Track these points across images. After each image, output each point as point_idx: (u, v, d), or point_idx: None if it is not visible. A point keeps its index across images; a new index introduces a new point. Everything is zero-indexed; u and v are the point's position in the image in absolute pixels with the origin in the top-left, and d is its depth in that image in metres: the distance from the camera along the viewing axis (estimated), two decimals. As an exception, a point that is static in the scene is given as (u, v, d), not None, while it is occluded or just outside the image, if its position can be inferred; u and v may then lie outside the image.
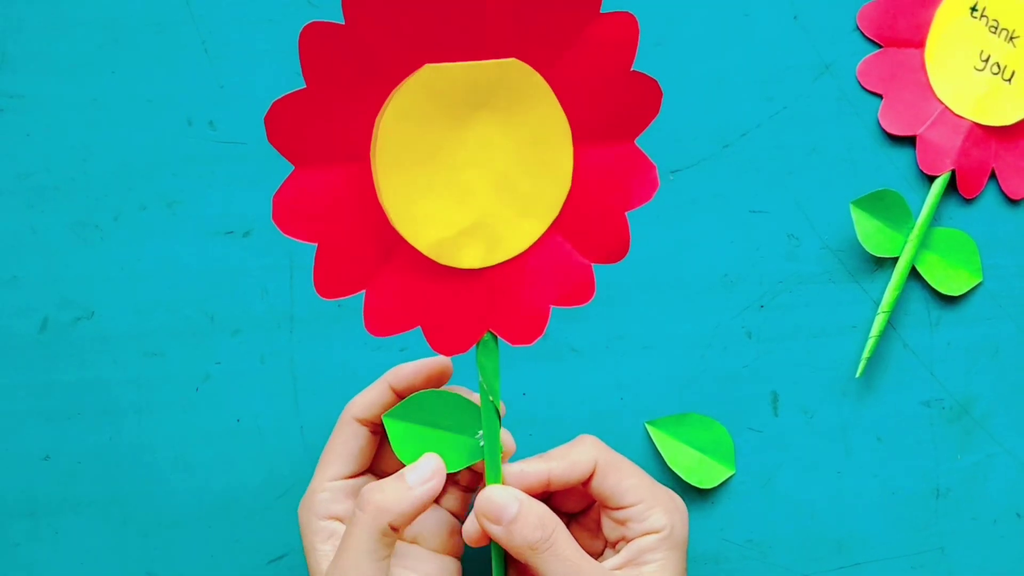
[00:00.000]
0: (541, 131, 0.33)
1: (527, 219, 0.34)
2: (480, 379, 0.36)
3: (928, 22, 0.47)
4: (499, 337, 0.35)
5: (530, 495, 0.37)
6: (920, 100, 0.47)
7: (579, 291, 0.36)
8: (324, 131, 0.31)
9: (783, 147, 0.47)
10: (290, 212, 0.32)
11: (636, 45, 0.33)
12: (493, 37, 0.32)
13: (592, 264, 0.36)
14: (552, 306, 0.35)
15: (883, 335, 0.46)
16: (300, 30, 0.29)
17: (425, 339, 0.34)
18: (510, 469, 0.38)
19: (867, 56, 0.48)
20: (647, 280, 0.46)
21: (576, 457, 0.38)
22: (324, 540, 0.38)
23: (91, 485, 0.44)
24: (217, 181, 0.45)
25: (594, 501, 0.41)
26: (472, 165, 0.33)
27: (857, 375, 0.46)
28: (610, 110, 0.34)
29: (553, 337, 0.46)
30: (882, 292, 0.47)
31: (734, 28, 0.47)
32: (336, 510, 0.39)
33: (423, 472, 0.36)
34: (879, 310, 0.46)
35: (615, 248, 0.36)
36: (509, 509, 0.36)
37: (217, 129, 0.46)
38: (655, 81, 0.34)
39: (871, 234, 0.46)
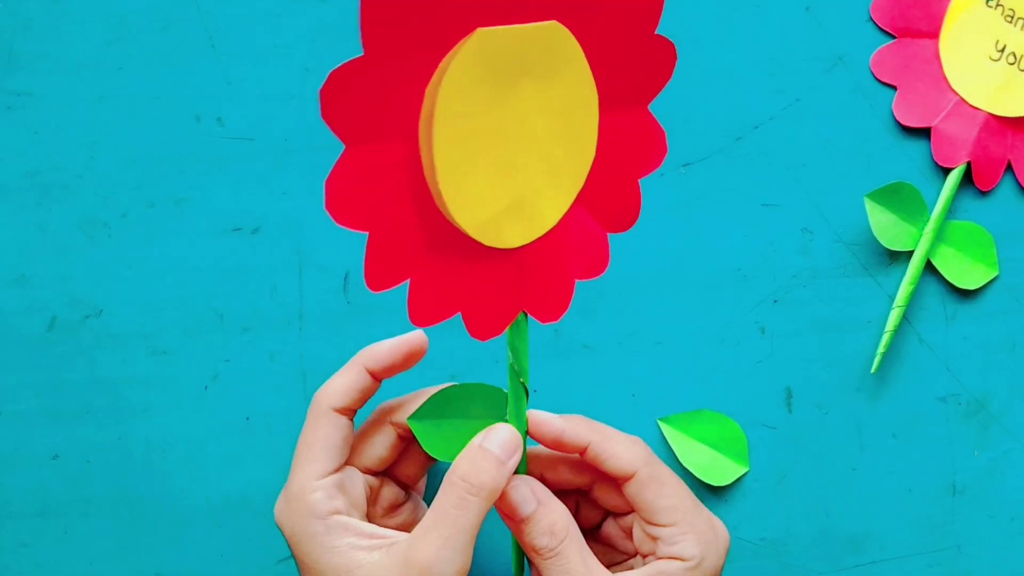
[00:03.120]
0: (573, 99, 0.32)
1: (558, 192, 0.33)
2: (510, 361, 0.35)
3: (942, 12, 0.47)
4: (529, 316, 0.35)
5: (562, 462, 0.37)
6: (935, 91, 0.47)
7: (598, 262, 0.35)
8: (377, 105, 0.29)
9: (796, 140, 0.47)
10: (344, 199, 0.29)
11: (662, 6, 0.32)
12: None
13: (607, 234, 0.35)
14: (576, 279, 0.35)
15: (898, 330, 0.46)
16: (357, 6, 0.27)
17: (464, 325, 0.33)
18: (553, 421, 0.37)
19: (880, 47, 0.47)
20: (659, 275, 0.46)
21: (620, 450, 0.37)
22: (341, 535, 0.36)
23: (100, 484, 0.44)
24: (225, 178, 0.45)
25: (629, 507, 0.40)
26: (515, 137, 0.31)
27: (872, 371, 0.45)
28: (630, 75, 0.33)
29: (565, 334, 0.45)
30: (897, 286, 0.46)
31: (746, 19, 0.47)
32: (336, 506, 0.36)
33: (506, 443, 0.35)
34: (894, 304, 0.46)
35: (627, 216, 0.35)
36: (526, 507, 0.36)
37: (225, 125, 0.45)
38: (672, 44, 0.33)
39: (886, 227, 0.45)
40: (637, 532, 0.39)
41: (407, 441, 0.40)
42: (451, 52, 0.29)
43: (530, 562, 0.38)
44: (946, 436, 0.46)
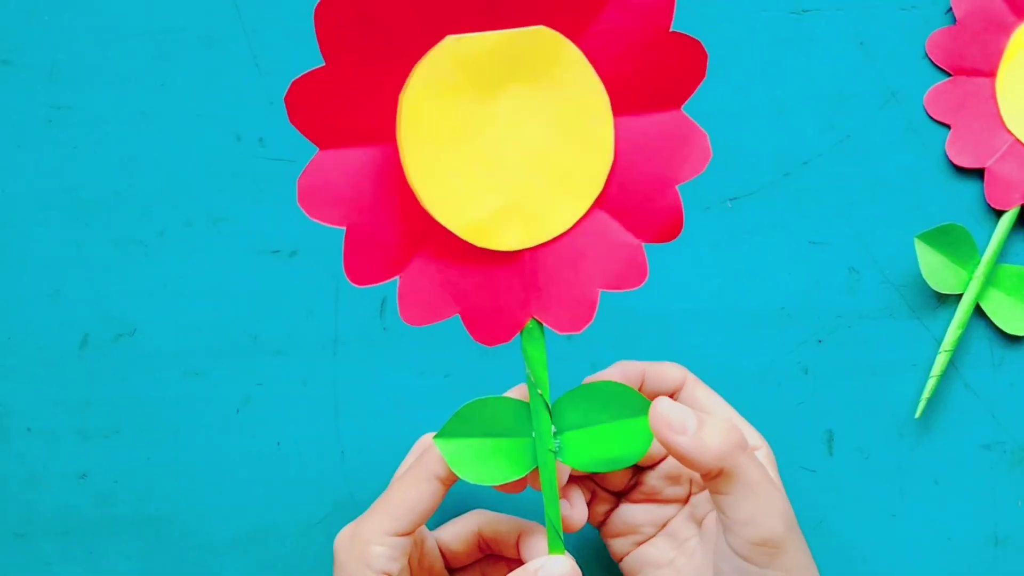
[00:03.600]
0: (577, 102, 0.32)
1: (568, 196, 0.33)
2: (527, 371, 0.34)
3: (1000, 51, 0.46)
4: (545, 325, 0.34)
5: None
6: (989, 131, 0.46)
7: (630, 273, 0.34)
8: (347, 110, 0.30)
9: (846, 177, 0.46)
10: (315, 195, 0.31)
11: (672, 5, 0.31)
12: (511, 5, 0.31)
13: (643, 244, 0.34)
14: (601, 290, 0.34)
15: (944, 375, 0.45)
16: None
17: (465, 328, 0.33)
18: (608, 371, 0.38)
19: (935, 85, 0.46)
20: (700, 311, 0.45)
21: (667, 368, 0.39)
22: None
23: (127, 505, 0.44)
24: (265, 199, 0.45)
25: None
26: (505, 141, 0.32)
27: (916, 415, 0.45)
28: (650, 76, 0.32)
29: (602, 367, 0.45)
30: (944, 330, 0.45)
31: (798, 53, 0.46)
32: (391, 568, 0.35)
33: None
34: (941, 348, 0.45)
35: (667, 225, 0.34)
36: (690, 419, 0.33)
37: (266, 146, 0.45)
38: (698, 42, 0.32)
39: (935, 269, 0.45)
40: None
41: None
42: (421, 59, 0.30)
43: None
44: (990, 485, 0.45)
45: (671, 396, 0.39)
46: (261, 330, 0.44)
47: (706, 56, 0.32)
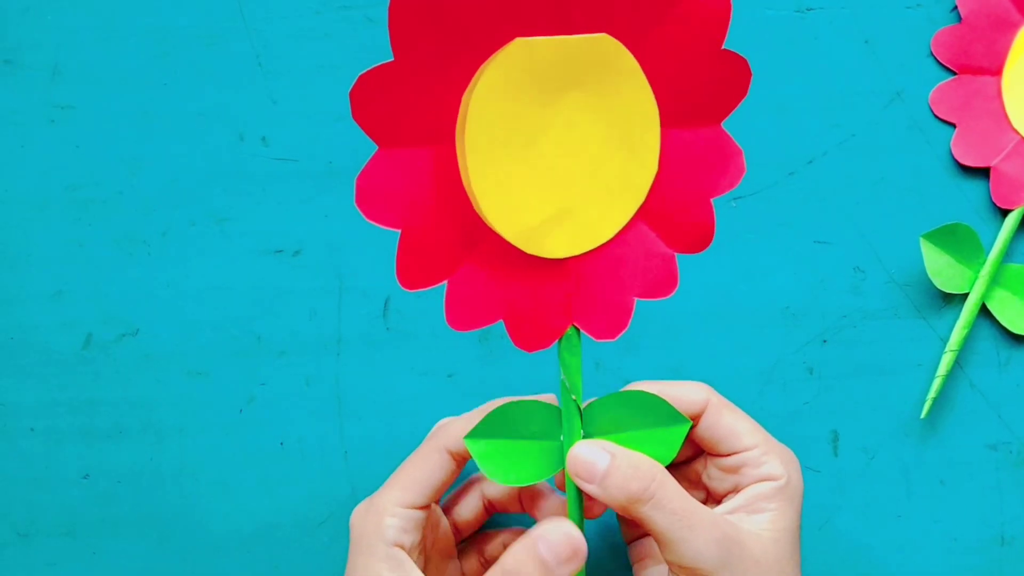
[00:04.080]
0: (629, 112, 0.32)
1: (613, 206, 0.33)
2: (562, 376, 0.34)
3: (1006, 49, 0.46)
4: (583, 332, 0.34)
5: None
6: (995, 130, 0.46)
7: (663, 283, 0.34)
8: (411, 109, 0.30)
9: (850, 176, 0.46)
10: (374, 196, 0.30)
11: (728, 21, 0.32)
12: (582, 11, 0.30)
13: (676, 254, 0.34)
14: (636, 299, 0.34)
15: (950, 374, 0.45)
16: (387, 10, 0.28)
17: (507, 334, 0.33)
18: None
19: (940, 83, 0.46)
20: (705, 311, 0.45)
21: (687, 389, 0.37)
22: (393, 569, 0.35)
23: (131, 506, 0.44)
24: (268, 199, 0.45)
25: (693, 454, 0.39)
26: (561, 147, 0.32)
27: (922, 416, 0.44)
28: (698, 91, 0.32)
29: (606, 367, 0.45)
30: (950, 330, 0.45)
31: (802, 52, 0.46)
32: (403, 540, 0.36)
33: (560, 552, 0.34)
34: (946, 348, 0.45)
35: (699, 237, 0.34)
36: (599, 463, 0.34)
37: (269, 146, 0.45)
38: (745, 60, 0.32)
39: (940, 269, 0.44)
40: (714, 472, 0.38)
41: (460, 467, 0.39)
42: (488, 60, 0.30)
43: (625, 524, 0.37)
44: (995, 485, 0.45)
45: (693, 420, 0.38)
46: (264, 330, 0.44)
47: (751, 75, 0.33)
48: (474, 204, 0.31)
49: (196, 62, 0.45)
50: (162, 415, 0.44)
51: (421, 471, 0.37)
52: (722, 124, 0.33)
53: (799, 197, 0.46)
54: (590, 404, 0.35)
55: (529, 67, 0.30)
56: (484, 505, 0.40)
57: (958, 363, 0.45)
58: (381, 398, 0.44)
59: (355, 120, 0.29)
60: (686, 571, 0.34)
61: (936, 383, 0.44)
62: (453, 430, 0.37)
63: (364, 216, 0.30)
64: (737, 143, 0.34)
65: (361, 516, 0.37)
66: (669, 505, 0.34)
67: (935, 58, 0.46)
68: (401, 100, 0.30)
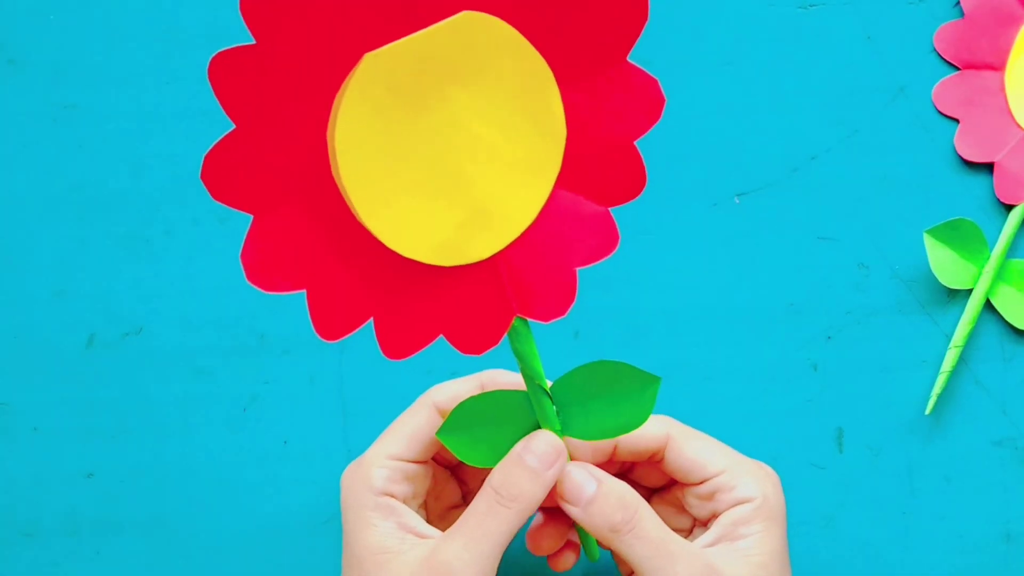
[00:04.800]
0: (518, 84, 0.29)
1: (527, 186, 0.30)
2: (520, 367, 0.34)
3: (1009, 44, 0.46)
4: (529, 319, 0.33)
5: (600, 462, 0.36)
6: (999, 126, 0.46)
7: (602, 243, 0.32)
8: (273, 168, 0.27)
9: (854, 172, 0.46)
10: (265, 268, 0.28)
11: None
12: None
13: (609, 208, 0.32)
14: (578, 267, 0.32)
15: (955, 371, 0.45)
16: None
17: (451, 345, 0.32)
18: (572, 440, 0.36)
19: (943, 79, 0.46)
20: (708, 308, 0.45)
21: (645, 428, 0.37)
22: (385, 516, 0.35)
23: (134, 505, 0.43)
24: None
25: (672, 480, 0.39)
26: (452, 149, 0.29)
27: (926, 412, 0.44)
28: (591, 34, 0.29)
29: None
30: (954, 326, 0.45)
31: (804, 47, 0.46)
32: (393, 490, 0.36)
33: (545, 454, 0.34)
34: (951, 344, 0.44)
35: (630, 185, 0.32)
36: (587, 489, 0.34)
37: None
38: None
39: (944, 265, 0.44)
40: (691, 501, 0.37)
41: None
42: (341, 90, 0.27)
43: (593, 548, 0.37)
44: (1001, 481, 0.45)
45: (653, 457, 0.38)
46: (268, 329, 0.44)
47: None
48: (376, 237, 0.29)
49: (199, 61, 0.45)
50: (166, 414, 0.44)
51: (408, 425, 0.37)
52: (627, 58, 0.30)
53: (802, 193, 0.46)
54: (556, 382, 0.35)
55: (390, 79, 0.27)
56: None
57: (963, 359, 0.45)
58: (385, 396, 0.44)
59: (216, 199, 0.26)
60: None
61: (941, 379, 0.44)
62: (444, 388, 0.37)
63: (262, 291, 0.28)
64: (650, 73, 0.31)
65: (350, 474, 0.37)
66: (647, 535, 0.34)
67: (938, 54, 0.46)
68: (259, 164, 0.27)
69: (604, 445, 0.37)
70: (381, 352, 0.31)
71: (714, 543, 0.36)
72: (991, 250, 0.45)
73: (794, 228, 0.45)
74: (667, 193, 0.46)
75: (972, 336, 0.45)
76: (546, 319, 0.33)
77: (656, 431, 0.37)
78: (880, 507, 0.44)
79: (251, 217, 0.28)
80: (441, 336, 0.32)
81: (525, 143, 0.30)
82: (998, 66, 0.46)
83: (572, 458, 0.37)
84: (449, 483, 0.40)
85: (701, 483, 0.37)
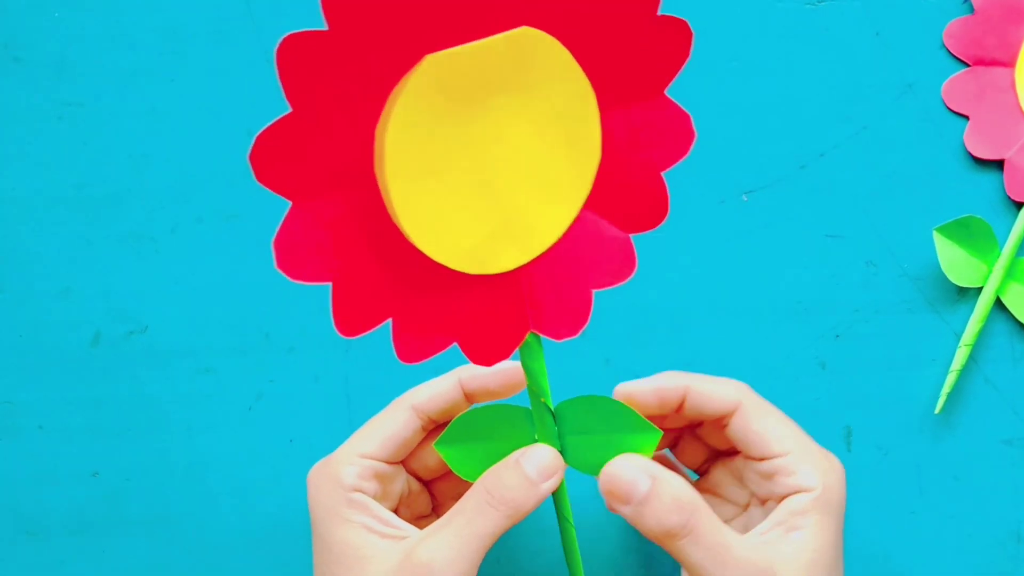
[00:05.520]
0: (563, 103, 0.30)
1: (557, 203, 0.31)
2: (527, 383, 0.34)
3: (1019, 40, 0.45)
4: (542, 335, 0.33)
5: (666, 414, 0.34)
6: (1009, 122, 0.45)
7: (620, 268, 0.32)
8: (321, 157, 0.27)
9: (862, 169, 0.45)
10: (296, 255, 0.28)
11: None
12: (496, 7, 0.28)
13: (630, 235, 0.32)
14: (595, 289, 0.32)
15: (964, 369, 0.44)
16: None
17: (463, 353, 0.32)
18: (642, 383, 0.35)
19: (953, 75, 0.46)
20: (716, 306, 0.45)
21: (719, 387, 0.35)
22: (358, 512, 0.34)
23: (139, 503, 0.43)
24: (276, 195, 0.45)
25: (728, 453, 0.38)
26: (492, 159, 0.29)
27: (936, 411, 0.44)
28: (635, 64, 0.30)
29: (616, 363, 0.44)
30: (964, 324, 0.45)
31: (812, 44, 0.46)
32: (364, 487, 0.35)
33: (545, 466, 0.33)
34: (961, 343, 0.44)
35: (653, 214, 0.32)
36: (639, 486, 0.32)
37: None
38: (685, 23, 0.30)
39: (954, 263, 0.44)
40: (751, 476, 0.36)
41: (428, 431, 0.38)
42: (397, 87, 0.27)
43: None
44: (1011, 481, 0.44)
45: (719, 422, 0.36)
46: (273, 326, 0.44)
47: (692, 36, 0.30)
48: (407, 237, 0.29)
49: (203, 58, 0.45)
50: (171, 412, 0.44)
51: (383, 425, 0.36)
52: (665, 91, 0.31)
53: (810, 191, 0.45)
54: (560, 405, 0.34)
55: (445, 84, 0.27)
56: (421, 424, 0.38)
57: (972, 358, 0.45)
58: (390, 395, 0.43)
59: (260, 183, 0.27)
60: None
61: (950, 378, 0.44)
62: (422, 390, 0.37)
63: (289, 278, 0.28)
64: (683, 108, 0.31)
65: (318, 471, 0.36)
66: (703, 541, 0.32)
67: (947, 50, 0.46)
68: (308, 151, 0.27)
69: (674, 396, 0.36)
70: (395, 354, 0.31)
71: (768, 531, 0.34)
72: (1001, 248, 0.45)
73: (802, 226, 0.45)
74: (674, 190, 0.45)
75: (982, 334, 0.45)
76: (559, 337, 0.33)
77: (729, 396, 0.36)
78: (889, 506, 0.44)
79: (286, 205, 0.28)
80: (454, 344, 0.32)
81: (560, 162, 0.30)
82: (1008, 62, 0.46)
83: (634, 403, 0.36)
84: (421, 495, 0.39)
85: (762, 460, 0.35)
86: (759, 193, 0.45)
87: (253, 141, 0.26)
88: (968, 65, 0.46)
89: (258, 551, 0.43)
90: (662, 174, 0.32)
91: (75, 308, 0.44)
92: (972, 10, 0.46)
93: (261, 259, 0.45)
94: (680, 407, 0.36)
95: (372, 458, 0.36)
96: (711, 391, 0.36)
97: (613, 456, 0.34)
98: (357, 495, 0.35)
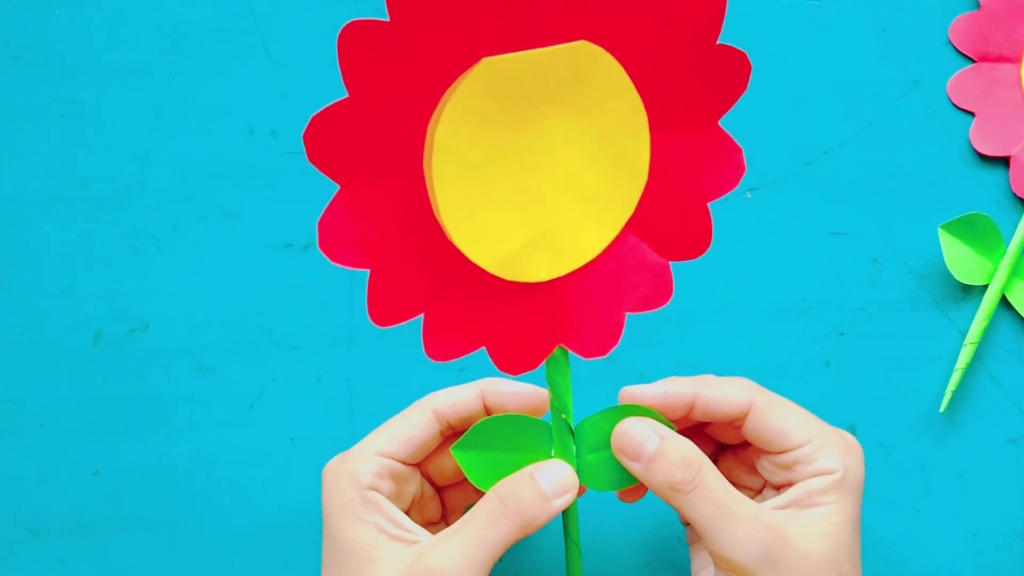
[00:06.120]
0: (614, 122, 0.30)
1: (599, 221, 0.31)
2: (550, 397, 0.34)
3: (1026, 37, 0.45)
4: (570, 351, 0.33)
5: (673, 421, 0.35)
6: (1015, 119, 0.45)
7: (655, 295, 0.33)
8: (371, 145, 0.28)
9: (867, 166, 0.45)
10: (339, 238, 0.29)
11: (724, 14, 0.29)
12: (555, 18, 0.28)
13: (670, 263, 0.33)
14: (628, 313, 0.33)
15: (969, 368, 0.44)
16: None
17: (490, 359, 0.32)
18: (649, 389, 0.35)
19: (959, 72, 0.46)
20: (720, 304, 0.45)
21: (728, 390, 0.36)
22: (372, 511, 0.34)
23: (141, 502, 0.43)
24: (278, 193, 0.45)
25: (735, 446, 0.38)
26: (538, 168, 0.30)
27: (941, 409, 0.44)
28: (692, 91, 0.30)
29: (620, 361, 0.44)
30: (969, 322, 0.45)
31: (818, 40, 0.46)
32: (380, 486, 0.35)
33: (559, 483, 0.34)
34: (966, 341, 0.44)
35: (695, 243, 0.33)
36: (649, 445, 0.34)
37: (279, 139, 0.45)
38: (744, 54, 0.30)
39: (959, 260, 0.44)
40: (767, 468, 0.37)
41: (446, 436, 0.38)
42: (453, 86, 0.28)
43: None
44: (1016, 480, 0.44)
45: (733, 424, 0.37)
46: (275, 325, 0.44)
47: (750, 68, 0.30)
48: (447, 235, 0.30)
49: (205, 56, 0.45)
50: (172, 411, 0.44)
51: (402, 426, 0.36)
52: (720, 122, 0.31)
53: (815, 188, 0.45)
54: (582, 423, 0.35)
55: (499, 88, 0.28)
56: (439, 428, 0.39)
57: (978, 356, 0.45)
58: (392, 393, 0.44)
59: (312, 163, 0.28)
60: (728, 563, 0.33)
61: (955, 376, 0.44)
62: (443, 395, 0.37)
63: (330, 260, 0.29)
64: (736, 141, 0.32)
65: (334, 467, 0.36)
66: (709, 495, 0.33)
67: (953, 46, 0.46)
68: (360, 138, 0.28)
69: (681, 403, 0.36)
70: (424, 351, 0.31)
71: (785, 506, 0.35)
72: (1007, 245, 0.45)
73: (806, 223, 0.45)
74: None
75: (987, 333, 0.45)
76: (586, 355, 0.33)
77: (739, 398, 0.36)
78: (894, 505, 0.44)
79: (335, 189, 0.29)
80: (482, 348, 0.32)
81: (606, 180, 0.31)
82: (1014, 58, 0.45)
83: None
84: (433, 500, 0.39)
85: (781, 453, 0.36)
86: (763, 190, 0.45)
87: (309, 121, 0.27)
88: (974, 61, 0.46)
89: (260, 550, 0.43)
90: (708, 205, 0.32)
91: (76, 307, 0.44)
92: (978, 6, 0.46)
93: (263, 257, 0.44)
94: (689, 414, 0.37)
95: (390, 457, 0.36)
96: (721, 396, 0.36)
97: (629, 475, 0.35)
98: (372, 493, 0.35)
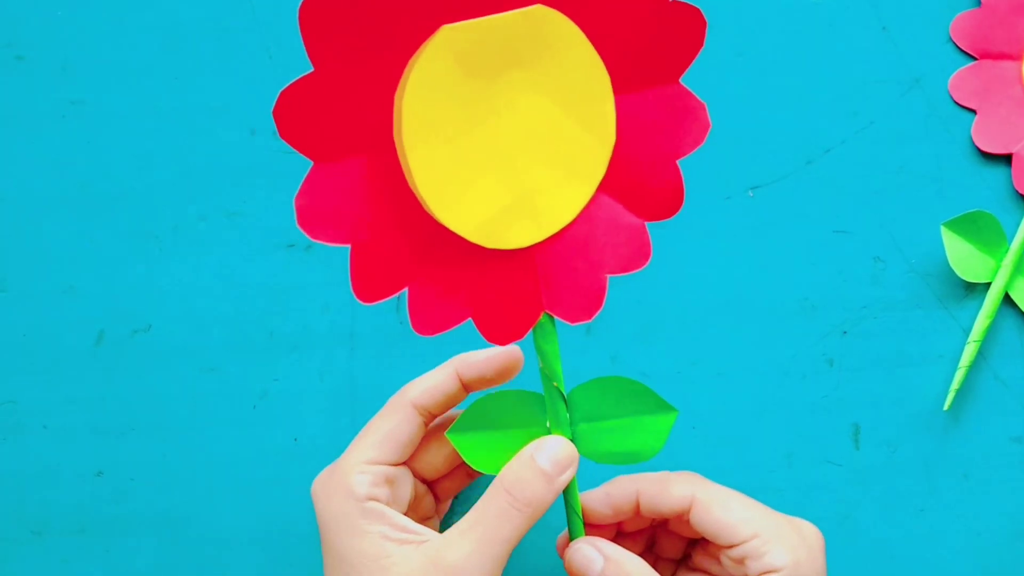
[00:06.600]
0: (577, 84, 0.30)
1: (572, 184, 0.32)
2: (540, 365, 0.34)
3: (1027, 34, 0.45)
4: (556, 317, 0.33)
5: (624, 519, 0.35)
6: (1016, 116, 0.45)
7: (635, 255, 0.33)
8: (341, 119, 0.28)
9: (869, 164, 0.45)
10: (316, 215, 0.29)
11: None
12: None
13: (646, 223, 0.33)
14: (609, 275, 0.33)
15: (973, 366, 0.44)
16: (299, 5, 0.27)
17: (477, 330, 0.32)
18: (593, 493, 0.36)
19: (960, 69, 0.46)
20: (723, 303, 0.45)
21: (671, 486, 0.36)
22: (375, 521, 0.34)
23: (143, 503, 0.43)
24: (279, 193, 0.45)
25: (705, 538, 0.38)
26: (508, 133, 0.30)
27: (944, 408, 0.44)
28: (649, 49, 0.31)
29: (622, 360, 0.44)
30: (972, 320, 0.44)
31: (819, 38, 0.46)
32: (376, 494, 0.35)
33: (560, 459, 0.34)
34: (969, 339, 0.44)
35: (668, 202, 0.33)
36: (593, 566, 0.34)
37: (281, 139, 0.45)
38: (697, 10, 0.31)
39: (962, 258, 0.44)
40: (725, 562, 0.37)
41: (431, 429, 0.38)
42: (415, 55, 0.28)
43: None
44: (1020, 478, 0.44)
45: (677, 519, 0.37)
46: (277, 325, 0.44)
47: (705, 24, 0.31)
48: (424, 206, 0.30)
49: (206, 56, 0.45)
50: (175, 411, 0.44)
51: (385, 427, 0.36)
52: (680, 79, 0.32)
53: (817, 186, 0.45)
54: (573, 391, 0.35)
55: (460, 55, 0.29)
56: (448, 456, 0.39)
57: (981, 354, 0.45)
58: (395, 392, 0.44)
59: (283, 139, 0.28)
60: None
61: (959, 375, 0.44)
62: (417, 384, 0.37)
63: (308, 236, 0.29)
64: (698, 97, 0.32)
65: (324, 481, 0.36)
66: None
67: (954, 44, 0.46)
68: (329, 111, 0.28)
69: (625, 502, 0.36)
70: (411, 324, 0.31)
71: None
72: (1010, 243, 0.44)
73: (809, 222, 0.45)
74: (680, 187, 0.45)
75: (990, 330, 0.45)
76: (572, 320, 0.33)
77: (680, 492, 0.36)
78: (897, 504, 0.44)
79: (308, 166, 0.29)
80: (469, 320, 0.32)
81: (574, 141, 0.31)
82: (1016, 55, 0.45)
83: (589, 521, 0.37)
84: (426, 496, 0.39)
85: (731, 547, 0.35)
86: (765, 189, 0.45)
87: (277, 97, 0.27)
88: (975, 59, 0.46)
89: (262, 550, 0.43)
90: (677, 163, 0.33)
91: (79, 307, 0.44)
92: (979, 3, 0.46)
93: (265, 257, 0.44)
94: (636, 511, 0.37)
95: (380, 463, 0.36)
96: (660, 492, 0.36)
97: (625, 444, 0.35)
98: (371, 504, 0.35)
